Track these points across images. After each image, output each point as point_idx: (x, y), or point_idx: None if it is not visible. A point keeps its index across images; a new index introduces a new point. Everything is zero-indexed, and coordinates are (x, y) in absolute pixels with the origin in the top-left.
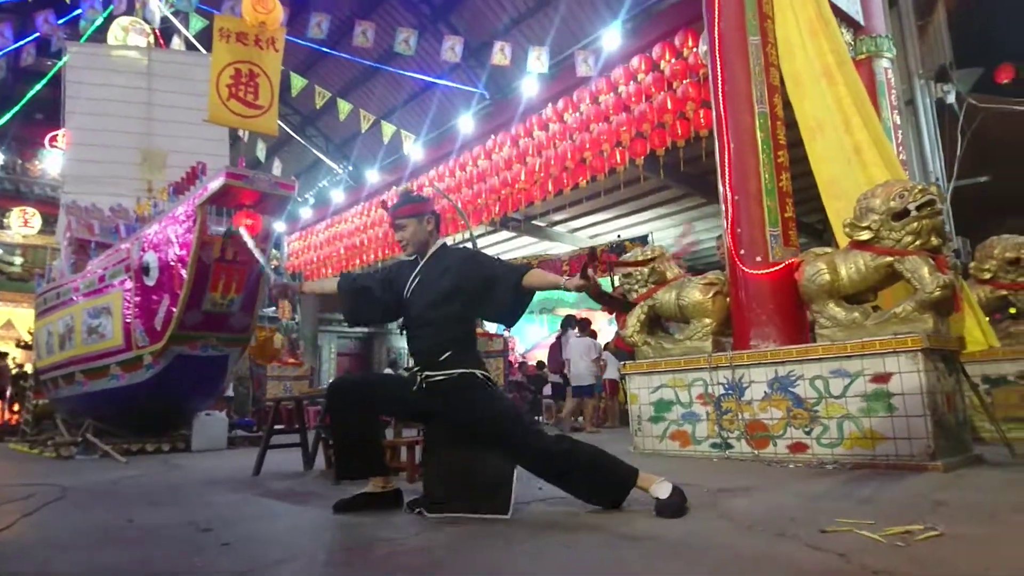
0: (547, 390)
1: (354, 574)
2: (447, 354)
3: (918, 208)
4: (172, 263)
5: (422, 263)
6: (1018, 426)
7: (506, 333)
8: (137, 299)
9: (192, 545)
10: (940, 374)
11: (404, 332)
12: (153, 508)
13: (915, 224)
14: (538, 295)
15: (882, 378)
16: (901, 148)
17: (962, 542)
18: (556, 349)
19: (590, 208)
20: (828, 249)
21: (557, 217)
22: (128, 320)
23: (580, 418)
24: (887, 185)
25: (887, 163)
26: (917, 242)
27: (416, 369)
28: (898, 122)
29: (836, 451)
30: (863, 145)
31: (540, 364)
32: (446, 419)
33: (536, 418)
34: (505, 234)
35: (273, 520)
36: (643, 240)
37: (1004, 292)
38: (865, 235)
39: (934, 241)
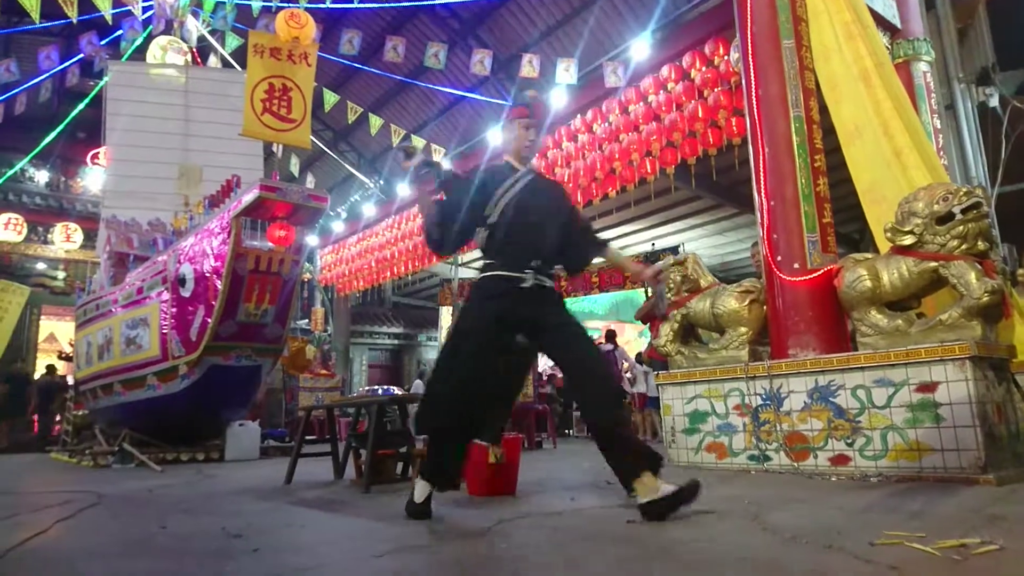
0: None
1: None
2: (552, 262)
3: (963, 211)
4: (207, 275)
5: (524, 169)
6: None
7: None
8: (173, 310)
9: (223, 552)
10: (990, 383)
11: (496, 232)
12: (186, 515)
13: (960, 228)
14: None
15: (928, 387)
16: (942, 153)
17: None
18: (611, 360)
19: (620, 219)
20: (868, 255)
21: None
22: (164, 331)
23: None
24: (930, 188)
25: (929, 167)
26: (963, 246)
27: (527, 270)
28: (938, 126)
29: (880, 463)
30: (904, 149)
31: None
32: (559, 329)
33: (567, 431)
34: None
35: (303, 528)
36: (674, 251)
37: None
38: (908, 240)
39: (981, 245)
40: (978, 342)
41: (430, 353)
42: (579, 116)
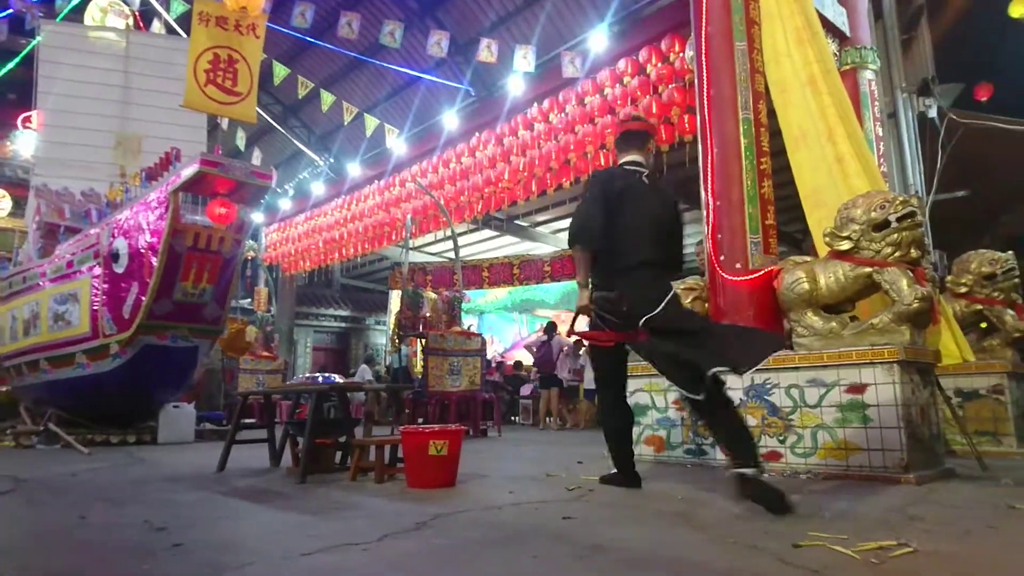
0: (524, 390)
1: None
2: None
3: (899, 219)
4: (143, 250)
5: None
6: (989, 440)
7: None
8: (105, 286)
9: (143, 548)
10: (915, 386)
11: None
12: (109, 505)
13: (895, 235)
14: (520, 295)
15: (858, 389)
16: (883, 160)
17: (936, 559)
18: (548, 351)
19: (573, 210)
20: (808, 258)
21: (540, 218)
22: (96, 308)
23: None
24: (868, 195)
25: (869, 174)
26: (896, 253)
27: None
28: (880, 134)
29: (810, 461)
30: (846, 156)
31: (518, 364)
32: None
33: (513, 418)
34: (487, 232)
35: (232, 521)
36: None
37: (979, 307)
38: (845, 245)
39: (913, 253)
40: (906, 347)
41: (378, 337)
42: (535, 105)
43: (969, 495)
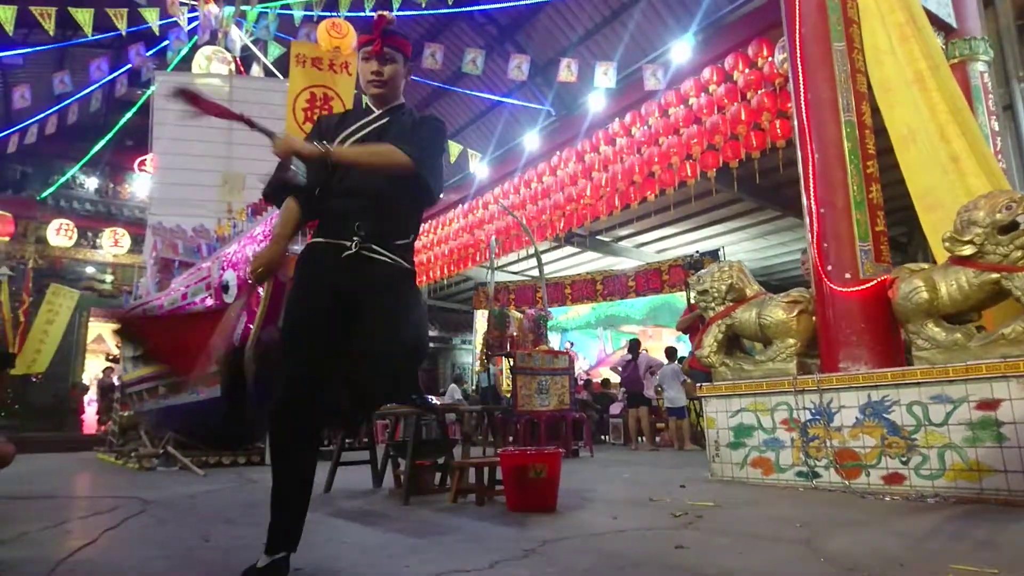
0: (614, 409)
1: None
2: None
3: None
4: (250, 281)
5: (378, 113)
6: None
7: (568, 347)
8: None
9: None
10: None
11: (324, 191)
12: (228, 526)
13: None
14: (604, 311)
15: (990, 405)
16: (1000, 156)
17: None
18: (634, 370)
19: (657, 223)
20: (925, 265)
21: (622, 232)
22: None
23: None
24: (991, 196)
25: (988, 173)
26: None
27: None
28: (996, 128)
29: (937, 483)
30: (961, 154)
31: (605, 382)
32: (368, 313)
33: (603, 437)
34: (569, 249)
35: (342, 543)
36: (713, 255)
37: (995, 275)
38: (968, 250)
39: None
40: None
41: (464, 357)
42: (617, 119)
43: None
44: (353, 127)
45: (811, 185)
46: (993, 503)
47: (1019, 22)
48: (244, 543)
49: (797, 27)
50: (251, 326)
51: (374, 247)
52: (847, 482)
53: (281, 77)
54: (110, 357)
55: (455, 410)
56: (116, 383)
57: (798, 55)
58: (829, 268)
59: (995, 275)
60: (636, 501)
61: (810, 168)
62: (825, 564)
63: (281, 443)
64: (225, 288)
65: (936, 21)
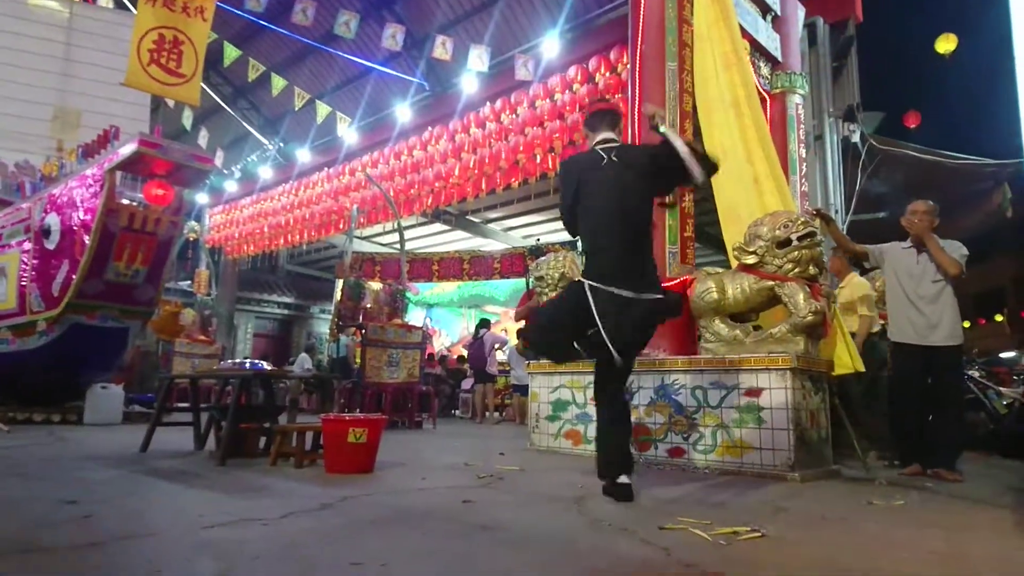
0: (465, 384)
1: (202, 553)
2: None
3: (799, 239)
4: (75, 228)
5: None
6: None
7: (427, 324)
8: (35, 262)
9: (49, 520)
10: (806, 392)
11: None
12: (20, 480)
13: (796, 253)
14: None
15: (754, 392)
16: (805, 180)
17: (777, 543)
18: (479, 347)
19: (523, 209)
20: (719, 270)
21: (491, 215)
22: (24, 283)
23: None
24: (775, 215)
25: (782, 194)
26: (796, 270)
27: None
28: (804, 155)
29: (710, 458)
30: (762, 176)
31: (461, 359)
32: None
33: (453, 411)
34: (438, 226)
35: (144, 497)
36: (564, 245)
37: (770, 283)
38: (751, 259)
39: (812, 270)
40: (799, 355)
41: (322, 326)
42: (488, 104)
43: (841, 492)
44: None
45: None
46: (749, 476)
47: (835, 64)
48: (35, 495)
49: (639, 43)
50: (73, 276)
51: None
52: (639, 453)
53: (133, 10)
54: None
55: (285, 376)
56: None
57: (637, 69)
58: None
59: (770, 283)
60: (452, 466)
61: None
62: (580, 517)
63: None
64: (47, 233)
65: (764, 53)
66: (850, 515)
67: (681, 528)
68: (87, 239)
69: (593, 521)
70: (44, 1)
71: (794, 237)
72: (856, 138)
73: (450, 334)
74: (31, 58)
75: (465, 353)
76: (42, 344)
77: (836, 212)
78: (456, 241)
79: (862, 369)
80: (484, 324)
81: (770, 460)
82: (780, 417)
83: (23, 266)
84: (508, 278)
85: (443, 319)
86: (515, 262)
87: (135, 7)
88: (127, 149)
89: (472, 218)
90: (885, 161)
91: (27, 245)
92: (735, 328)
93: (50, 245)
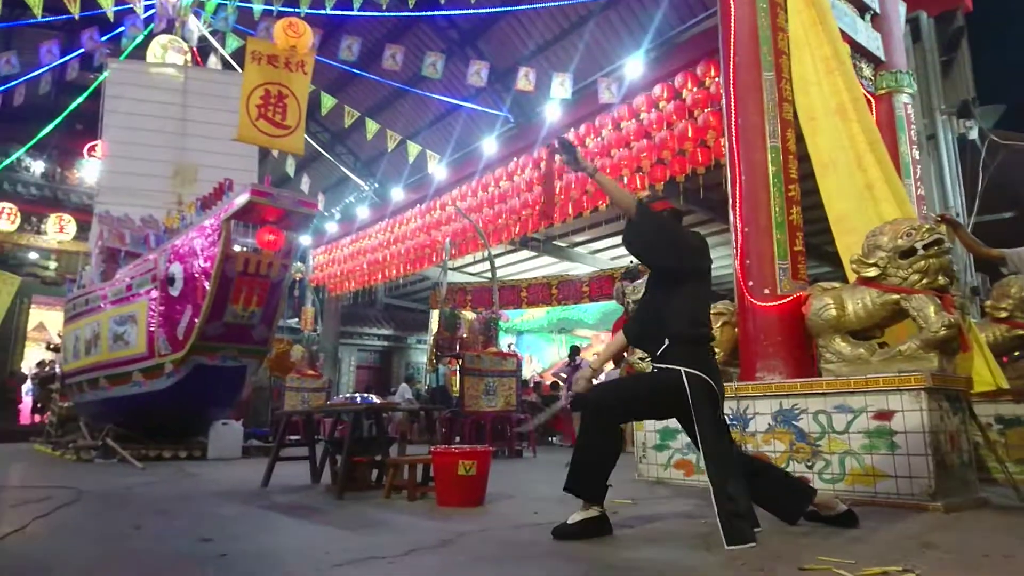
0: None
1: None
2: None
3: (925, 247)
4: (196, 275)
5: None
6: None
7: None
8: (161, 308)
9: (191, 557)
10: (944, 413)
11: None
12: (161, 517)
13: (922, 263)
14: (558, 315)
15: (885, 415)
16: (920, 183)
17: None
18: (574, 373)
19: (611, 231)
20: (836, 284)
21: (577, 238)
22: (152, 328)
23: None
24: (895, 223)
25: (899, 200)
26: (924, 280)
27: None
28: (917, 157)
29: (837, 487)
30: (875, 182)
31: (555, 384)
32: None
33: (550, 439)
34: (525, 253)
35: (272, 534)
36: None
37: (1021, 331)
38: (872, 272)
39: (941, 280)
40: (934, 373)
41: (419, 356)
42: (572, 130)
43: (995, 523)
44: None
45: (737, 205)
46: (884, 505)
47: (943, 58)
48: (176, 533)
49: (731, 55)
50: (196, 320)
51: None
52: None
53: (239, 70)
54: (51, 346)
55: (394, 409)
56: (57, 373)
57: (731, 82)
58: (750, 284)
59: (895, 296)
60: (562, 498)
61: (737, 189)
62: (710, 554)
63: None
64: (171, 281)
65: (866, 53)
66: (1016, 551)
67: (824, 568)
68: (207, 285)
69: (727, 560)
70: (163, 69)
71: (919, 246)
72: (974, 134)
73: (540, 360)
74: (153, 121)
75: (557, 378)
76: (169, 384)
77: (957, 215)
78: (543, 267)
79: (1005, 385)
80: (576, 351)
81: (907, 488)
82: (916, 441)
83: (151, 313)
84: (597, 301)
85: (533, 345)
86: (603, 284)
87: (241, 67)
88: (241, 199)
89: (559, 243)
90: (1010, 157)
91: (154, 293)
92: (858, 346)
93: (174, 292)
